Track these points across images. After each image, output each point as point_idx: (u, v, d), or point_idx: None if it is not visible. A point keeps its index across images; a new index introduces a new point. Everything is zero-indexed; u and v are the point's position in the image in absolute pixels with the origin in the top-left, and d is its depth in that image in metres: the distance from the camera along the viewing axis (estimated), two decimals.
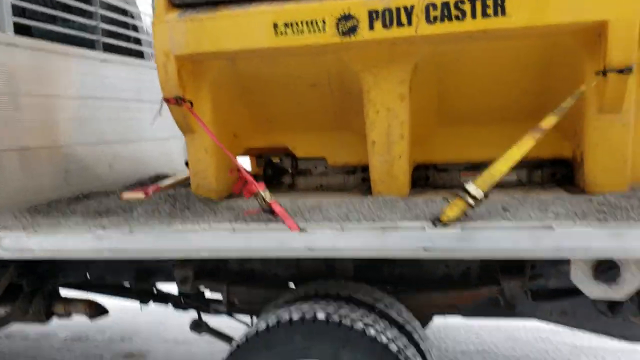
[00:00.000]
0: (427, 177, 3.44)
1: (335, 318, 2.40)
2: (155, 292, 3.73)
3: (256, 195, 2.45)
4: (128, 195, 3.34)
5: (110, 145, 4.03)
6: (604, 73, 2.57)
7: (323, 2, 2.78)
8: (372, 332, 2.37)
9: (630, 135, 2.75)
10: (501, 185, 3.16)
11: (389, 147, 2.99)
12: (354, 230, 2.35)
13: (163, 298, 3.76)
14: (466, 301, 3.03)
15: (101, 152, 3.96)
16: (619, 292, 2.23)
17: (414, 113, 3.02)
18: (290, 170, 3.63)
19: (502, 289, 2.93)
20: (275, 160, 3.71)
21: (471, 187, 2.28)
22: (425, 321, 3.81)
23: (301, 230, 2.32)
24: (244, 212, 2.65)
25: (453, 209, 2.25)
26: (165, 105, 3.07)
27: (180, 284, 3.29)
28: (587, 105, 2.75)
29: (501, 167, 2.34)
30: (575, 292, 2.60)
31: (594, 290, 2.27)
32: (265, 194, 2.45)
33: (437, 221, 2.25)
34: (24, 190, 3.33)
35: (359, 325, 2.39)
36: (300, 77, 3.14)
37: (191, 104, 3.06)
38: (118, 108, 4.14)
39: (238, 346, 2.53)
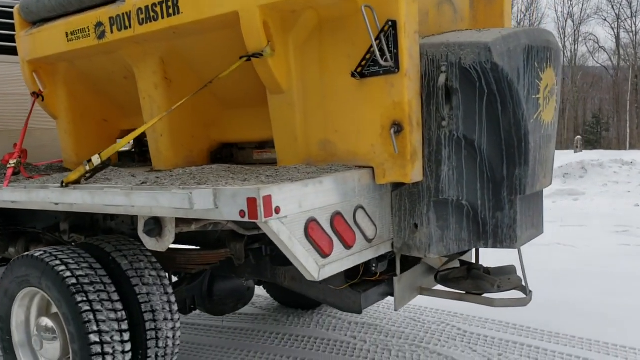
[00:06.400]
0: (232, 155, 3.92)
1: (42, 256, 3.20)
2: None
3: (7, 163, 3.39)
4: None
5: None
6: (248, 58, 2.89)
7: (88, 13, 3.55)
8: (59, 268, 3.11)
9: (297, 114, 2.98)
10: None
11: (154, 128, 3.61)
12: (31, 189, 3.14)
13: None
14: (209, 260, 3.51)
15: None
16: (163, 245, 2.61)
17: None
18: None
19: (232, 251, 3.37)
20: (145, 139, 4.52)
21: (94, 157, 2.86)
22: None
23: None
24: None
25: (75, 173, 2.87)
26: None
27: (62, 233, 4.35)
28: (267, 89, 3.05)
29: (122, 142, 2.88)
30: None
31: (148, 242, 2.67)
32: (11, 162, 3.36)
33: (62, 183, 2.90)
34: None
35: (55, 262, 3.15)
36: (114, 72, 3.91)
37: (42, 97, 4.07)
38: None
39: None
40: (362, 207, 2.72)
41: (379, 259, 2.93)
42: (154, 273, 3.37)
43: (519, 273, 3.23)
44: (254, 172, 2.69)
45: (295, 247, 2.34)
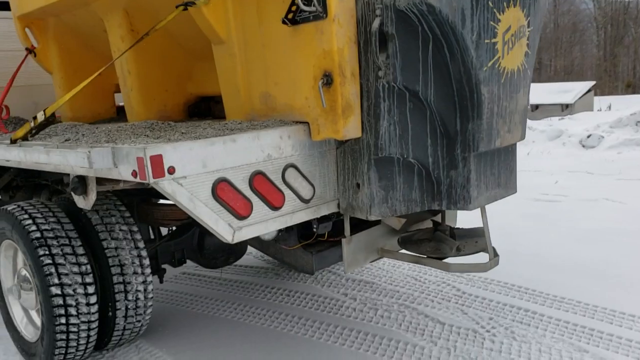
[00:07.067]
0: (209, 108, 3.83)
1: (13, 210, 3.29)
2: None
3: None
4: None
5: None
6: (185, 7, 2.74)
7: None
8: (26, 222, 3.20)
9: (238, 66, 2.82)
10: None
11: (124, 82, 3.58)
12: None
13: None
14: (180, 216, 3.48)
15: None
16: (88, 202, 2.56)
17: (157, 50, 3.51)
18: None
19: None
20: None
21: (39, 113, 2.86)
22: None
23: None
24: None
25: (22, 130, 2.88)
26: None
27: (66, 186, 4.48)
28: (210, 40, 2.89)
29: (66, 97, 2.84)
30: None
31: (77, 200, 2.63)
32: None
33: (11, 140, 2.92)
34: None
35: (23, 216, 3.24)
36: (95, 25, 3.88)
37: (35, 54, 4.13)
38: None
39: None
40: (293, 166, 2.56)
41: (321, 220, 2.77)
42: (124, 228, 3.39)
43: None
44: (172, 130, 2.58)
45: (198, 209, 2.23)
